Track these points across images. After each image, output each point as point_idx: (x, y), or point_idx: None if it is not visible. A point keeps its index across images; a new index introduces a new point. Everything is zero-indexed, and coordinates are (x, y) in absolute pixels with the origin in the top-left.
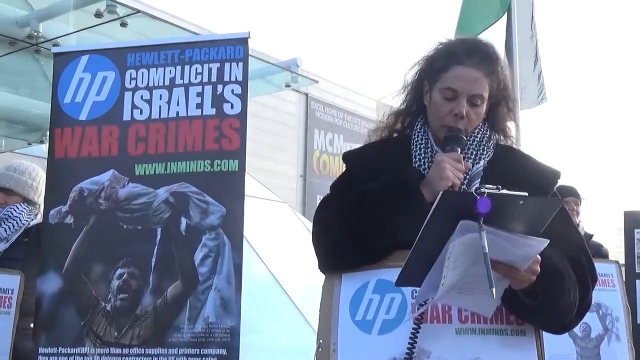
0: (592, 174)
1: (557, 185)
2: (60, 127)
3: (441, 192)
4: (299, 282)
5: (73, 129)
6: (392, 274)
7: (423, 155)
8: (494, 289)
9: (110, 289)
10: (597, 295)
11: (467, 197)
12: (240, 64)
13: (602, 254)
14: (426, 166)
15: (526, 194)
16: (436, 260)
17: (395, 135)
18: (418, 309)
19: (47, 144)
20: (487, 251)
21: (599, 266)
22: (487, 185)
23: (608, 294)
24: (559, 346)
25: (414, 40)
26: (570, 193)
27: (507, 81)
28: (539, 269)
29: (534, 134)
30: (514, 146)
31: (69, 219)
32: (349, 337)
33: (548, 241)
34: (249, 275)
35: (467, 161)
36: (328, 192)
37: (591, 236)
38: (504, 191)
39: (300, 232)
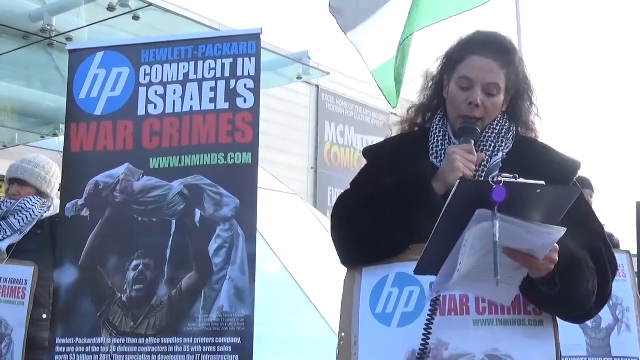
0: (604, 164)
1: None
2: (76, 122)
3: (458, 181)
4: (310, 273)
5: (89, 124)
6: (410, 267)
7: (440, 147)
8: (498, 278)
9: (125, 280)
10: None
11: (483, 186)
12: (253, 59)
13: (612, 243)
14: (442, 158)
15: (543, 182)
16: (453, 248)
17: (416, 129)
18: (433, 297)
19: (60, 138)
20: (498, 240)
21: None
22: (504, 174)
23: (619, 284)
24: (569, 336)
25: (424, 32)
26: (584, 185)
27: (529, 75)
28: (557, 258)
29: (543, 124)
30: (537, 138)
31: (85, 212)
32: (369, 330)
33: (565, 229)
34: (260, 267)
35: (483, 152)
36: (338, 183)
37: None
38: (521, 180)
39: (311, 223)
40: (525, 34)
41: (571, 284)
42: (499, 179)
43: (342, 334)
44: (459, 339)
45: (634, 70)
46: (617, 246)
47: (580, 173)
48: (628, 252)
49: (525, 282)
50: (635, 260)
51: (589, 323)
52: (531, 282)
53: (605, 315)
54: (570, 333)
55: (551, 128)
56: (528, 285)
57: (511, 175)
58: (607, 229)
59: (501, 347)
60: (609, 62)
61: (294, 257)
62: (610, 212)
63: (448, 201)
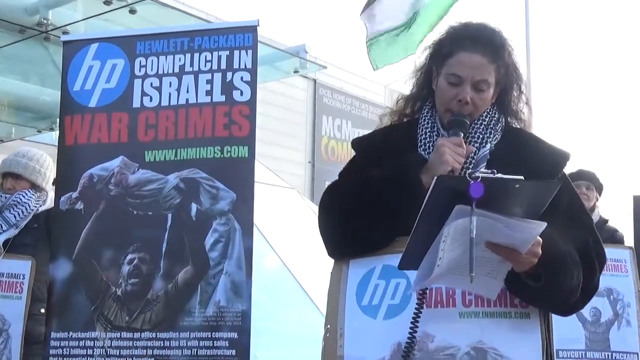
0: (601, 157)
1: (577, 171)
2: (70, 115)
3: (435, 177)
4: (308, 268)
5: (83, 116)
6: (397, 259)
7: (428, 139)
8: (472, 274)
9: (120, 274)
10: (609, 280)
11: (461, 182)
12: (250, 51)
13: (617, 239)
14: (431, 150)
15: (522, 177)
16: (432, 244)
17: (405, 119)
18: (418, 291)
19: (57, 132)
20: (474, 236)
21: (613, 251)
22: (482, 170)
23: (620, 279)
24: (568, 330)
25: None
26: (580, 177)
27: (518, 65)
28: (541, 252)
29: (543, 119)
30: (526, 129)
31: (79, 205)
32: (355, 322)
33: (545, 224)
34: (258, 261)
35: (472, 145)
36: (335, 177)
37: (606, 221)
38: (499, 175)
39: (309, 218)
40: (532, 29)
41: (554, 277)
42: (477, 174)
43: (328, 326)
44: (444, 331)
45: (633, 66)
46: (620, 242)
47: (581, 166)
48: (631, 248)
49: (510, 275)
50: None
51: (588, 317)
52: (516, 276)
53: (605, 309)
54: (569, 326)
55: (551, 121)
56: (513, 278)
57: (489, 171)
58: (611, 224)
59: (487, 340)
60: (609, 58)
61: (292, 251)
62: (608, 205)
63: (426, 198)
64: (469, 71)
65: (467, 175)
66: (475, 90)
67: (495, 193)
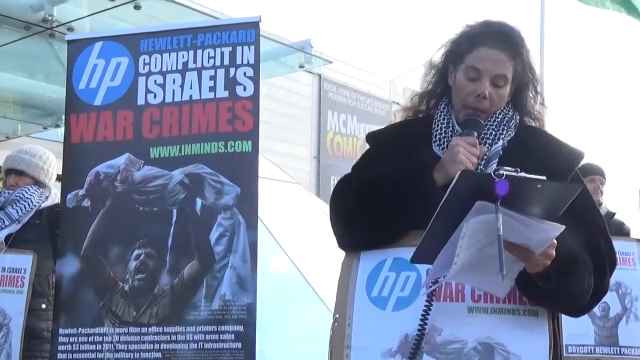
0: (608, 151)
1: (582, 165)
2: (75, 113)
3: (459, 172)
4: (314, 263)
5: (88, 114)
6: (408, 252)
7: (443, 135)
8: (503, 272)
9: (127, 269)
10: (617, 274)
11: (485, 179)
12: (252, 47)
13: (623, 232)
14: (445, 146)
15: (544, 177)
16: (450, 239)
17: (420, 115)
18: (430, 286)
19: (63, 129)
20: (502, 233)
21: (620, 245)
22: (505, 167)
23: (628, 273)
24: (577, 325)
25: (427, 20)
26: (595, 172)
27: (534, 64)
28: (554, 254)
29: (550, 113)
30: (541, 128)
31: (86, 202)
32: (364, 312)
33: (563, 227)
34: (264, 257)
35: (484, 141)
36: (341, 172)
37: (613, 214)
38: (522, 174)
39: (314, 213)
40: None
41: (566, 280)
42: (501, 172)
43: (337, 316)
44: (452, 325)
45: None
46: (627, 234)
47: (588, 160)
48: (638, 240)
49: (521, 275)
50: None
51: (597, 312)
52: (527, 276)
53: (613, 304)
54: (578, 321)
55: (557, 113)
56: (523, 278)
57: (513, 169)
58: (618, 217)
59: (494, 336)
60: (616, 50)
61: (297, 246)
62: (615, 199)
63: (448, 192)
64: (488, 66)
65: (491, 172)
66: (493, 86)
67: (517, 191)
